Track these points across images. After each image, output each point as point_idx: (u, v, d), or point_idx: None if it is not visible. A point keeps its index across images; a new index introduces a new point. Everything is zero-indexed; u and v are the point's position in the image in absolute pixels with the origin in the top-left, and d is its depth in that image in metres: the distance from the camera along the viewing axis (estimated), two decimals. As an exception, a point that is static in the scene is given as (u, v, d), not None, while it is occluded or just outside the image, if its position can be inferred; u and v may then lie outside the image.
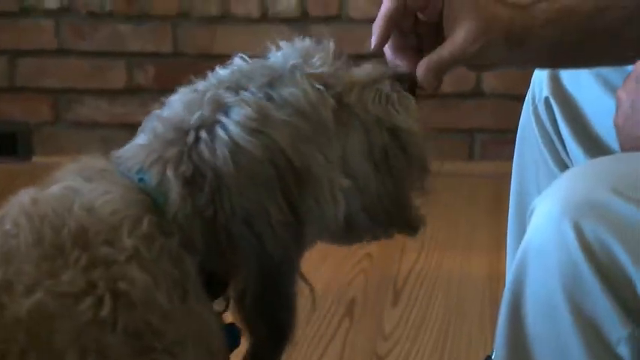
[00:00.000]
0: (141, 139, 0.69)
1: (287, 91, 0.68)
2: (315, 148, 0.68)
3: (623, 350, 0.67)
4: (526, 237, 0.73)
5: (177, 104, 0.69)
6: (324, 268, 1.70)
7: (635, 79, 0.78)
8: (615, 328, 0.67)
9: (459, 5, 0.78)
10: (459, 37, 0.76)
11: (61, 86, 2.16)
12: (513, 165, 1.11)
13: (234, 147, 0.65)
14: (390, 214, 0.72)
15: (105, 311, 0.60)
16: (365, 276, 1.73)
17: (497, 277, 1.60)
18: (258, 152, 0.65)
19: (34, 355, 0.57)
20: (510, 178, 1.13)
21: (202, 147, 0.66)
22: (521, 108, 1.11)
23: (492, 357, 1.07)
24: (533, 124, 1.05)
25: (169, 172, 0.66)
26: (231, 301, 0.71)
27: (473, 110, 2.16)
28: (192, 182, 0.65)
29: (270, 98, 0.67)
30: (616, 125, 0.77)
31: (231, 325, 0.72)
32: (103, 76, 2.15)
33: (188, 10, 2.09)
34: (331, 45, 0.73)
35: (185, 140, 0.66)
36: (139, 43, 2.13)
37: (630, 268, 0.66)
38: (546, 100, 1.03)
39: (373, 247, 1.74)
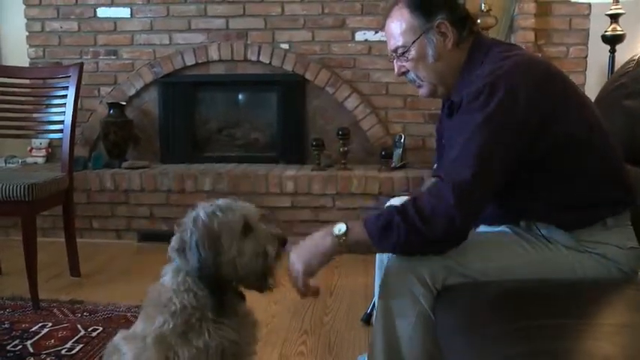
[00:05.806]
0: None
1: (229, 214, 1.24)
2: (229, 236, 1.22)
3: (423, 299, 1.34)
4: (385, 270, 1.40)
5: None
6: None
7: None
8: (419, 291, 1.35)
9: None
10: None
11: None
12: (377, 258, 1.78)
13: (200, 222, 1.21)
14: (258, 278, 1.27)
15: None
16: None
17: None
18: (212, 225, 1.21)
19: None
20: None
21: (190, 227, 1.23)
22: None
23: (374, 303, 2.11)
24: None
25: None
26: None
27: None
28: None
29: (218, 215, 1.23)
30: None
31: None
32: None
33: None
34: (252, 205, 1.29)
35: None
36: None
37: (427, 277, 1.34)
38: None
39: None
